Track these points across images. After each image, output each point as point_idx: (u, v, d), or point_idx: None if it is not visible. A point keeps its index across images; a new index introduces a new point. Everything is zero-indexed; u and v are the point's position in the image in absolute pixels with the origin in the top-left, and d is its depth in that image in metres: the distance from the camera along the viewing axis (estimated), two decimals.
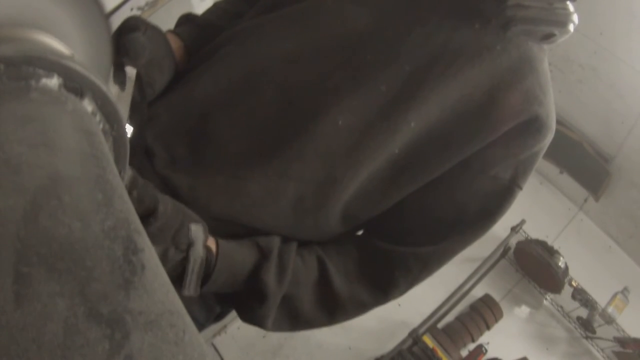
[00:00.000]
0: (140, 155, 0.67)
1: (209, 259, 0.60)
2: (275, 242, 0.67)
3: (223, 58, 0.71)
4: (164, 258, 0.55)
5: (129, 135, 0.58)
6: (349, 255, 0.71)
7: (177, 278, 0.57)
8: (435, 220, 0.70)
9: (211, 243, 0.61)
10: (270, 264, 0.64)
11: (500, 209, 0.68)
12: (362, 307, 0.71)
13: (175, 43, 0.75)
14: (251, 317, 0.68)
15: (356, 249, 0.72)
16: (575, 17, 0.62)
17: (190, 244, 0.57)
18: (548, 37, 0.64)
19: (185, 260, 0.57)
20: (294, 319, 0.69)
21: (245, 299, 0.67)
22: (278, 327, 0.69)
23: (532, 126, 0.65)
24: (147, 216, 0.53)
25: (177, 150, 0.67)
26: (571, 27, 0.62)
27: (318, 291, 0.69)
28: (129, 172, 0.53)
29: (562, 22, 0.62)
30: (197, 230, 0.58)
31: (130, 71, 0.63)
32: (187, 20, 0.83)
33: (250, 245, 0.65)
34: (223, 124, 0.67)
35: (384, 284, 0.71)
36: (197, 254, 0.57)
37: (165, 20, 0.84)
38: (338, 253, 0.72)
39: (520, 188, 0.68)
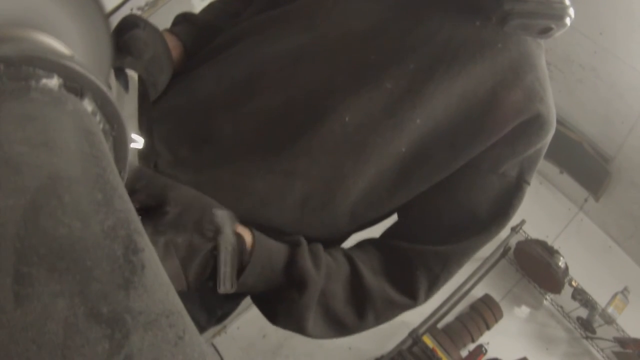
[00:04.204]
0: (152, 159, 0.67)
1: (242, 247, 0.56)
2: (301, 237, 0.65)
3: (225, 58, 0.71)
4: (190, 249, 0.52)
5: (140, 146, 0.57)
6: (373, 255, 0.71)
7: (211, 275, 0.54)
8: (450, 223, 0.70)
9: (243, 231, 0.58)
10: (304, 250, 0.62)
11: (512, 206, 0.69)
12: (390, 305, 0.69)
13: (172, 42, 0.74)
14: (289, 313, 0.63)
15: (377, 250, 0.72)
16: (571, 11, 0.63)
17: (217, 231, 0.53)
18: (545, 31, 0.65)
19: (215, 250, 0.54)
20: (327, 317, 0.66)
21: (283, 292, 0.63)
22: (316, 328, 0.66)
23: (535, 124, 0.66)
24: (160, 206, 0.51)
25: (181, 151, 0.67)
26: (568, 21, 0.63)
27: (350, 287, 0.67)
28: (134, 166, 0.53)
29: (559, 15, 0.63)
30: (222, 216, 0.54)
31: (132, 74, 0.62)
32: (184, 19, 0.82)
33: (278, 241, 0.63)
34: (227, 123, 0.66)
35: (408, 284, 0.70)
36: (227, 240, 0.54)
37: (166, 20, 0.84)
38: (362, 252, 0.71)
39: (528, 183, 0.69)
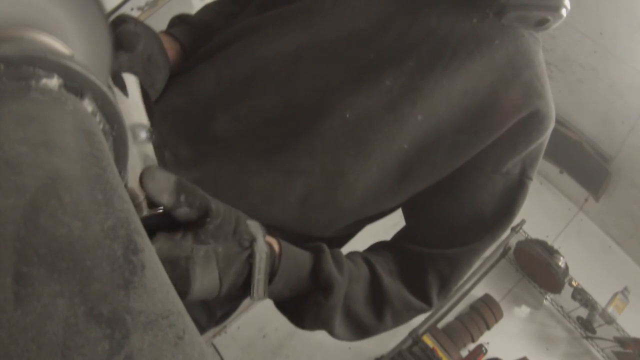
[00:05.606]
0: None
1: (273, 254, 0.57)
2: (323, 244, 0.65)
3: (224, 57, 0.71)
4: (229, 258, 0.52)
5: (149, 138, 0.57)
6: (388, 258, 0.72)
7: (244, 283, 0.55)
8: (457, 225, 0.71)
9: (270, 240, 0.59)
10: (327, 256, 0.62)
11: (517, 204, 0.70)
12: (407, 307, 0.70)
13: (168, 43, 0.74)
14: (317, 316, 0.63)
15: (391, 253, 0.73)
16: (567, 2, 0.63)
17: (252, 239, 0.54)
18: (542, 23, 0.65)
19: (250, 258, 0.54)
20: (348, 319, 0.67)
21: (309, 296, 0.62)
22: (340, 329, 0.66)
23: (535, 119, 0.67)
24: (202, 217, 0.51)
25: (182, 150, 0.67)
26: (564, 12, 0.64)
27: (370, 289, 0.68)
28: (172, 178, 0.52)
29: (555, 6, 0.63)
30: (254, 226, 0.55)
31: (129, 77, 0.61)
32: (180, 21, 0.82)
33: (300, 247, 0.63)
34: (228, 122, 0.66)
35: (421, 288, 0.70)
36: (262, 248, 0.55)
37: (166, 20, 0.84)
38: (378, 254, 0.72)
39: (531, 179, 0.70)
